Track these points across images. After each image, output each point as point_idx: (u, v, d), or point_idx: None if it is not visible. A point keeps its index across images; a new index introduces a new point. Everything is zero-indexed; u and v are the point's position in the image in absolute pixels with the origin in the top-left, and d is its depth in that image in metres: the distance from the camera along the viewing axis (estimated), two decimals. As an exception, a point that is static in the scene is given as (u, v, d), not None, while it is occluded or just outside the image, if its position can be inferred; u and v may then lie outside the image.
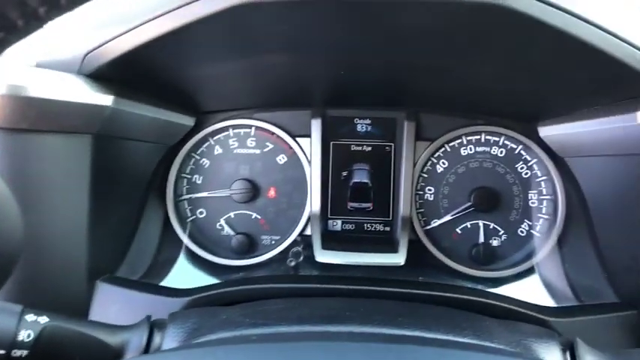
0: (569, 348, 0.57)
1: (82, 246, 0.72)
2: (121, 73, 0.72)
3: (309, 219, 0.93)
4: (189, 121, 0.92)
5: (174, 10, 0.61)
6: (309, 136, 0.93)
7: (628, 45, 0.63)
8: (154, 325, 0.58)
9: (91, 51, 0.68)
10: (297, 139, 0.94)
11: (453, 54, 0.72)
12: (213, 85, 0.86)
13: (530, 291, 0.88)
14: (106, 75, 0.71)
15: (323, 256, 0.86)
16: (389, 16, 0.62)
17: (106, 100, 0.69)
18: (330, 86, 0.89)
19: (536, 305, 0.72)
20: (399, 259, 0.84)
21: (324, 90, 0.90)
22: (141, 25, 0.64)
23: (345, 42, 0.70)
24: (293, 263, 0.84)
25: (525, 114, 0.89)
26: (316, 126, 0.92)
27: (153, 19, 0.63)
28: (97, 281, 0.74)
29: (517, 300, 0.73)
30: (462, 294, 0.72)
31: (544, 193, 0.91)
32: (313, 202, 0.92)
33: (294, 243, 0.92)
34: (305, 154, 0.94)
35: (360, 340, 0.50)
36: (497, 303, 0.69)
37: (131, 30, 0.65)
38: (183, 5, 0.61)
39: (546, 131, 0.87)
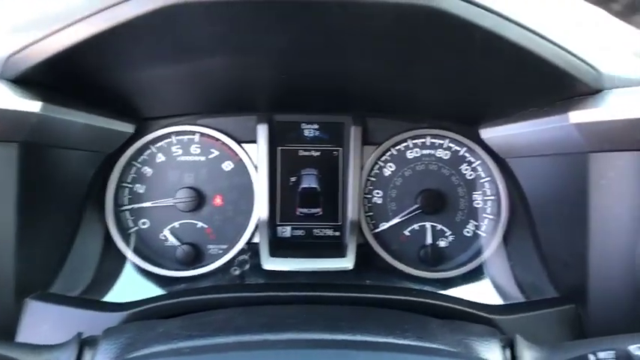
0: (509, 345, 0.57)
1: (8, 261, 0.67)
2: (50, 78, 0.68)
3: (257, 226, 0.91)
4: (128, 128, 0.88)
5: (101, 11, 0.59)
6: (255, 141, 0.91)
7: (557, 47, 0.65)
8: (84, 343, 0.55)
9: (14, 54, 0.64)
10: (243, 145, 0.93)
11: (391, 57, 0.72)
12: (152, 90, 0.83)
13: (478, 290, 0.90)
14: (33, 79, 0.67)
15: (270, 264, 0.84)
16: (321, 18, 0.61)
17: (33, 106, 0.65)
18: (275, 91, 0.88)
19: (480, 304, 0.73)
20: (347, 263, 0.83)
21: (269, 95, 0.89)
22: (67, 26, 0.61)
23: (281, 45, 0.69)
24: (237, 272, 0.82)
25: (467, 117, 0.91)
26: (262, 131, 0.91)
27: (80, 20, 0.60)
28: (26, 299, 0.70)
29: (462, 300, 0.74)
30: (407, 296, 0.72)
31: (488, 193, 0.93)
32: (260, 209, 0.90)
33: (242, 251, 0.90)
34: (251, 161, 0.92)
35: (298, 346, 0.49)
36: (442, 303, 0.70)
37: (57, 32, 0.62)
38: (111, 6, 0.58)
39: (487, 133, 0.89)
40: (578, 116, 0.69)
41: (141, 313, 0.70)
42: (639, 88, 0.67)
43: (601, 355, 0.53)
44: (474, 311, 0.70)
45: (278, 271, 0.84)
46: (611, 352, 0.52)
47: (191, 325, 0.59)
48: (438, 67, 0.74)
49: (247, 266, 0.84)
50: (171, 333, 0.56)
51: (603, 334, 0.57)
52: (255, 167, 0.91)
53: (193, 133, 0.93)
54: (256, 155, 0.91)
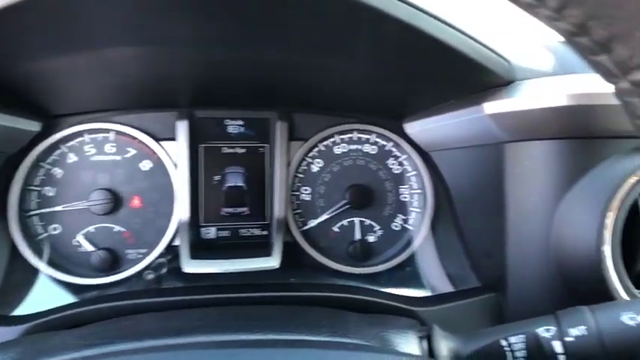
0: (426, 336, 0.57)
1: None
2: None
3: (178, 228, 0.86)
4: (33, 126, 0.81)
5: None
6: (175, 139, 0.87)
7: (470, 39, 0.65)
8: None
9: None
10: (162, 143, 0.88)
11: (307, 48, 0.71)
12: (59, 84, 0.77)
13: (408, 283, 0.89)
14: None
15: (191, 267, 0.80)
16: (236, 5, 0.59)
17: None
18: (195, 85, 0.84)
19: (403, 297, 0.72)
20: (273, 262, 0.81)
21: (188, 89, 0.85)
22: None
23: (194, 34, 0.65)
24: (151, 276, 0.77)
25: (392, 111, 0.91)
26: (182, 128, 0.86)
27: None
28: None
29: (384, 293, 0.73)
30: (330, 292, 0.70)
31: (415, 187, 0.94)
32: (181, 210, 0.85)
33: (162, 255, 0.85)
34: (171, 159, 0.88)
35: (202, 347, 0.46)
36: (365, 298, 0.69)
37: None
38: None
39: (411, 127, 0.90)
40: (492, 107, 0.70)
41: (44, 325, 0.64)
42: (549, 79, 0.70)
43: (512, 339, 0.53)
44: (397, 304, 0.69)
45: (200, 273, 0.80)
46: (522, 336, 0.53)
47: (92, 333, 0.54)
48: (357, 59, 0.73)
49: (164, 270, 0.80)
50: (67, 344, 0.51)
51: (521, 319, 0.58)
52: (175, 166, 0.87)
53: (108, 131, 0.87)
54: (176, 153, 0.87)
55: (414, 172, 0.94)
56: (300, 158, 0.91)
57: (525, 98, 0.67)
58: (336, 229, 0.92)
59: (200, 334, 0.50)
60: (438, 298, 0.75)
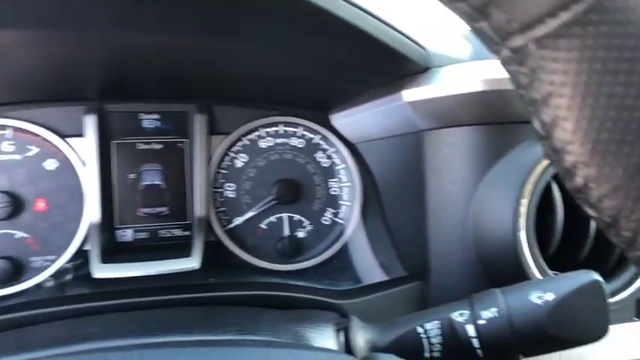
0: (343, 328, 0.55)
1: None
2: None
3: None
4: None
5: None
6: (83, 135, 0.81)
7: (388, 26, 0.64)
8: None
9: None
10: (69, 139, 0.81)
11: (220, 33, 0.67)
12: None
13: (340, 276, 0.87)
14: None
15: (102, 272, 0.74)
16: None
17: None
18: (102, 75, 0.78)
19: (327, 290, 0.70)
20: (193, 263, 0.76)
21: (95, 80, 0.79)
22: None
23: (96, 15, 0.60)
24: (50, 284, 0.71)
25: (318, 103, 0.89)
26: (91, 123, 0.80)
27: None
28: None
29: (308, 288, 0.71)
30: (252, 290, 0.67)
31: (344, 180, 0.92)
32: (91, 212, 0.79)
33: (71, 260, 0.79)
34: (79, 157, 0.81)
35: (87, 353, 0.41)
36: (286, 294, 0.66)
37: None
38: None
39: (337, 119, 0.88)
40: (409, 95, 0.69)
41: None
42: (464, 65, 0.70)
43: (428, 326, 0.52)
44: (320, 298, 0.67)
45: (114, 278, 0.74)
46: (437, 322, 0.52)
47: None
48: (273, 46, 0.71)
49: (68, 277, 0.74)
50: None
51: (443, 306, 0.57)
52: (84, 164, 0.81)
53: (4, 127, 0.79)
54: (85, 151, 0.80)
55: (342, 165, 0.92)
56: (222, 153, 0.87)
57: (441, 85, 0.67)
58: (263, 226, 0.89)
59: (92, 341, 0.46)
60: (362, 290, 0.73)
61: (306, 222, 0.91)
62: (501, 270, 0.65)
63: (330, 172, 0.92)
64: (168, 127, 0.87)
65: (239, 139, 0.88)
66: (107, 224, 0.82)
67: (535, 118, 0.31)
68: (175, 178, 0.86)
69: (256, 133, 0.89)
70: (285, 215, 0.89)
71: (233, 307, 0.59)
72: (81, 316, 0.60)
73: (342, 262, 0.90)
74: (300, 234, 0.90)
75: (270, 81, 0.84)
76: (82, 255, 0.80)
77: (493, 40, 0.31)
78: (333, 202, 0.92)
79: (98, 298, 0.65)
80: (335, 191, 0.92)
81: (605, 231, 0.31)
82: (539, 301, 0.49)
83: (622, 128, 0.28)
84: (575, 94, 0.28)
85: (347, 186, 0.92)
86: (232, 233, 0.88)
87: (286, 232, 0.89)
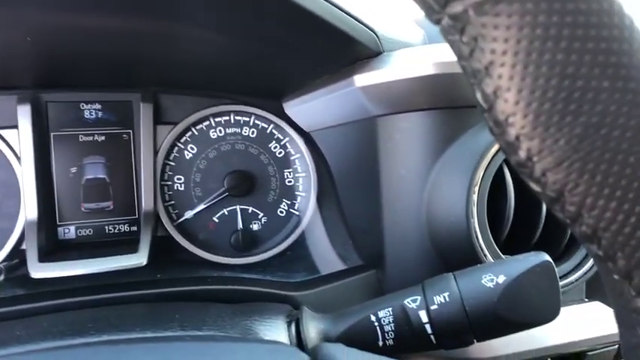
0: (294, 319, 0.53)
1: None
2: None
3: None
4: None
5: None
6: (17, 127, 0.75)
7: (338, 10, 0.62)
8: None
9: None
10: (2, 131, 0.75)
11: (162, 15, 0.63)
12: None
13: (297, 268, 0.85)
14: None
15: (40, 271, 0.69)
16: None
17: None
18: (36, 62, 0.72)
19: (280, 282, 0.68)
20: (140, 259, 0.72)
21: (28, 67, 0.73)
22: None
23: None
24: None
25: (270, 91, 0.86)
26: (25, 114, 0.74)
27: None
28: None
29: (260, 281, 0.68)
30: (201, 285, 0.64)
31: (299, 170, 0.90)
32: (28, 209, 0.74)
33: (6, 260, 0.73)
34: (13, 151, 0.75)
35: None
36: (237, 288, 0.64)
37: None
38: None
39: (290, 107, 0.85)
40: (360, 80, 0.68)
41: None
42: (416, 49, 0.69)
43: (380, 314, 0.51)
44: (273, 291, 0.65)
45: (55, 278, 0.70)
46: (389, 309, 0.51)
47: None
48: (219, 30, 0.67)
49: (1, 278, 0.68)
50: None
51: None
52: (19, 158, 0.75)
53: None
54: (19, 144, 0.75)
55: (297, 155, 0.90)
56: (169, 144, 0.83)
57: (393, 69, 0.66)
58: (215, 219, 0.86)
59: (17, 344, 0.42)
60: (316, 281, 0.71)
61: (261, 214, 0.88)
62: (456, 256, 0.65)
63: (284, 163, 0.90)
64: (112, 118, 0.82)
65: (187, 129, 0.85)
66: (47, 221, 0.76)
67: (477, 90, 0.29)
68: (120, 171, 0.82)
69: (206, 123, 0.86)
70: (238, 208, 0.86)
71: (180, 303, 0.56)
72: (15, 318, 0.56)
73: (298, 254, 0.87)
74: (255, 227, 0.88)
75: (218, 68, 0.81)
76: (20, 254, 0.75)
77: (433, 8, 0.29)
78: (289, 193, 0.90)
79: (34, 300, 0.60)
80: (290, 182, 0.90)
81: (550, 206, 0.30)
82: (490, 284, 0.48)
83: (564, 97, 0.27)
84: (516, 62, 0.27)
85: (302, 176, 0.90)
86: (183, 228, 0.84)
87: (239, 225, 0.86)
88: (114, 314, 0.51)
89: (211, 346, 0.39)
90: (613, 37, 0.27)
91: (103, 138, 0.81)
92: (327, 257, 0.85)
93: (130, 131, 0.82)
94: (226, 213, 0.86)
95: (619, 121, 0.27)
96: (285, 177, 0.90)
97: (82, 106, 0.81)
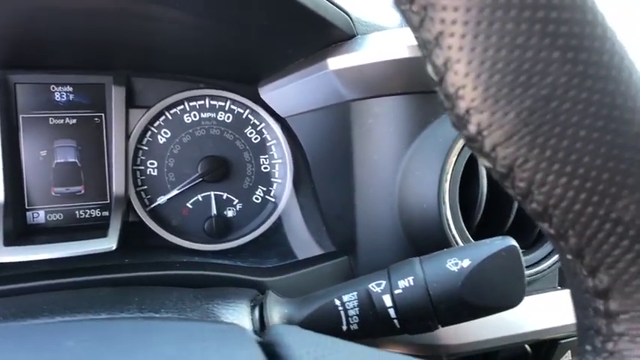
0: (259, 304, 0.52)
1: None
2: None
3: None
4: None
5: None
6: (-17, 108, 0.73)
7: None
8: None
9: None
10: (-33, 113, 0.73)
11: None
12: None
13: (272, 254, 0.84)
14: None
15: (6, 255, 0.67)
16: None
17: None
18: (5, 43, 0.71)
19: (251, 268, 0.68)
20: (109, 244, 0.71)
21: (-3, 48, 0.71)
22: None
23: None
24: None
25: (246, 75, 0.85)
26: (-9, 95, 0.73)
27: None
28: None
29: (230, 266, 0.68)
30: (167, 270, 0.63)
31: (275, 157, 0.89)
32: (-6, 192, 0.72)
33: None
34: (-20, 132, 0.74)
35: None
36: (206, 273, 0.63)
37: None
38: None
39: (265, 92, 0.84)
40: (334, 63, 0.67)
41: None
42: (390, 32, 0.68)
43: (345, 298, 0.50)
44: (242, 276, 0.64)
45: (24, 262, 0.68)
46: (354, 293, 0.50)
47: None
48: (194, 13, 0.66)
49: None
50: None
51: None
52: (-15, 140, 0.73)
53: None
54: (-14, 125, 0.73)
55: (274, 141, 0.89)
56: (142, 128, 0.82)
57: (366, 52, 0.65)
58: (189, 205, 0.85)
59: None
60: (288, 267, 0.71)
61: (236, 200, 0.87)
62: (427, 243, 0.64)
63: (260, 149, 0.89)
64: (83, 101, 0.80)
65: (161, 114, 0.83)
66: (15, 205, 0.75)
67: (428, 61, 0.29)
68: (92, 155, 0.80)
69: (180, 107, 0.84)
70: (212, 194, 0.85)
71: (143, 287, 0.55)
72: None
73: (273, 240, 0.87)
74: (229, 213, 0.86)
75: (193, 52, 0.79)
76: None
77: None
78: (265, 179, 0.89)
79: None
80: (266, 168, 0.89)
81: (501, 182, 0.29)
82: (454, 268, 0.48)
83: (514, 69, 0.27)
84: (466, 32, 0.26)
85: (279, 162, 0.89)
86: (155, 213, 0.83)
87: (214, 211, 0.85)
88: (72, 297, 0.50)
89: (152, 324, 0.38)
90: (564, 6, 0.26)
91: (74, 121, 0.80)
92: (303, 243, 0.84)
93: (102, 114, 0.81)
94: (200, 199, 0.85)
95: (569, 94, 0.27)
96: (261, 163, 0.88)
97: (53, 88, 0.79)
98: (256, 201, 0.88)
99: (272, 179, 0.89)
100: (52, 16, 0.65)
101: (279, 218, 0.88)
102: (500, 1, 0.26)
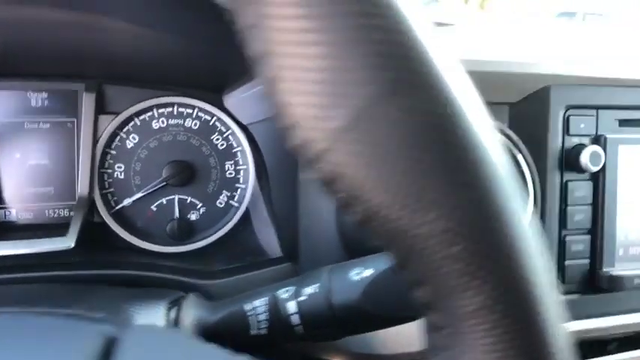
0: (176, 306, 0.54)
1: None
2: None
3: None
4: None
5: None
6: (-39, 112, 0.79)
7: None
8: None
9: None
10: (-55, 117, 0.79)
11: (86, 8, 0.66)
12: None
13: (229, 258, 0.86)
14: None
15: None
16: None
17: None
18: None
19: (191, 270, 0.70)
20: (67, 242, 0.75)
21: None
22: None
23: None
24: None
25: (211, 84, 0.88)
26: (-31, 101, 0.78)
27: None
28: None
29: (175, 267, 0.71)
30: (112, 269, 0.67)
31: (240, 163, 0.92)
32: (-33, 190, 0.77)
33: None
34: (-43, 135, 0.79)
35: None
36: (142, 273, 0.66)
37: None
38: None
39: (229, 100, 0.87)
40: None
41: None
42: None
43: (256, 303, 0.52)
44: (182, 278, 0.67)
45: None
46: (265, 299, 0.52)
47: None
48: (156, 29, 0.70)
49: None
50: None
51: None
52: (-38, 142, 0.79)
53: None
54: (-37, 128, 0.78)
55: (239, 148, 0.91)
56: (110, 133, 0.86)
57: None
58: (154, 208, 0.88)
59: None
60: (232, 270, 0.73)
61: (199, 204, 0.90)
62: (361, 249, 0.65)
63: (226, 155, 0.91)
64: (57, 106, 0.85)
65: (130, 119, 0.87)
66: (-12, 204, 0.80)
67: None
68: (63, 158, 0.85)
69: (149, 114, 0.88)
70: (176, 197, 0.88)
71: (78, 285, 0.59)
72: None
73: (233, 243, 0.89)
74: (193, 216, 0.90)
75: (158, 62, 0.83)
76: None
77: None
78: (229, 184, 0.91)
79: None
80: (231, 174, 0.91)
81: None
82: (357, 278, 0.49)
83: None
84: None
85: (243, 168, 0.91)
86: (120, 215, 0.86)
87: (176, 214, 0.88)
88: (8, 292, 0.53)
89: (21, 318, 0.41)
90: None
91: (47, 125, 0.84)
92: (259, 248, 0.86)
93: (75, 120, 0.85)
94: (164, 202, 0.88)
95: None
96: (227, 169, 0.91)
97: (29, 94, 0.84)
98: (220, 205, 0.91)
99: (236, 184, 0.92)
100: (15, 28, 0.69)
101: (242, 222, 0.90)
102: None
